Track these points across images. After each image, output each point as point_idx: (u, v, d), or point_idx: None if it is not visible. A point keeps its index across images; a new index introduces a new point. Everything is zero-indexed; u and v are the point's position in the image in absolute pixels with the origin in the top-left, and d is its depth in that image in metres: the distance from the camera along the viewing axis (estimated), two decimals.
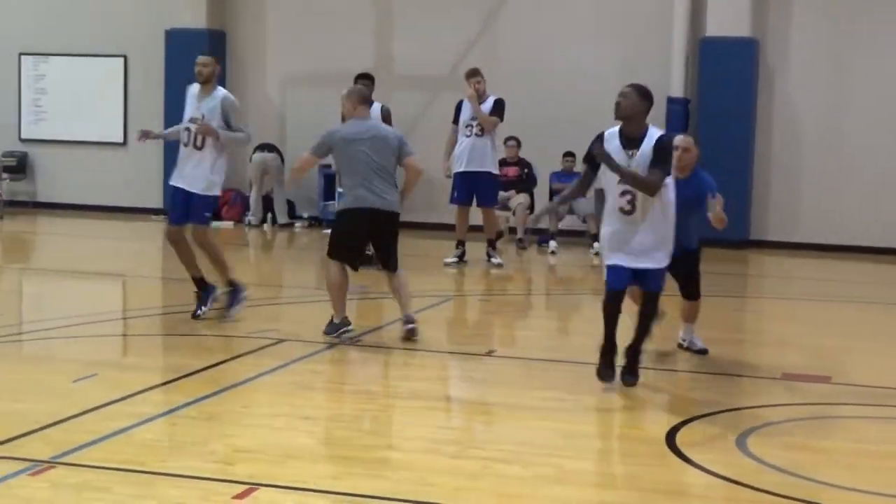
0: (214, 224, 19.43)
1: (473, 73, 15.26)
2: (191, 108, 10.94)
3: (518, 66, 18.31)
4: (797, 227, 18.28)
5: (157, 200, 20.40)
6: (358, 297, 13.21)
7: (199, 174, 10.84)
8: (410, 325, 10.17)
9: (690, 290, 9.70)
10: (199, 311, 10.82)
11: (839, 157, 18.07)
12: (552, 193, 17.53)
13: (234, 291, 10.92)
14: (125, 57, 20.70)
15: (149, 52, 20.32)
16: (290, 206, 20.06)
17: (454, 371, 9.87)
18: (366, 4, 18.66)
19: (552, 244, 16.84)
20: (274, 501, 6.01)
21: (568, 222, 17.41)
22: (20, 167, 21.18)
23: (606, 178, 8.45)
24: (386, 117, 14.77)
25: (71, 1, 20.75)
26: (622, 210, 8.38)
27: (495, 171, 15.39)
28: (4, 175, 20.95)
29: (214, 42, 20.11)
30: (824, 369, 9.51)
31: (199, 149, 10.79)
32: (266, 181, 19.76)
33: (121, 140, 20.91)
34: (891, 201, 17.79)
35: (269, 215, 19.85)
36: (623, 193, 8.33)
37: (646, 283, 8.58)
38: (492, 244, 15.32)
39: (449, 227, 15.85)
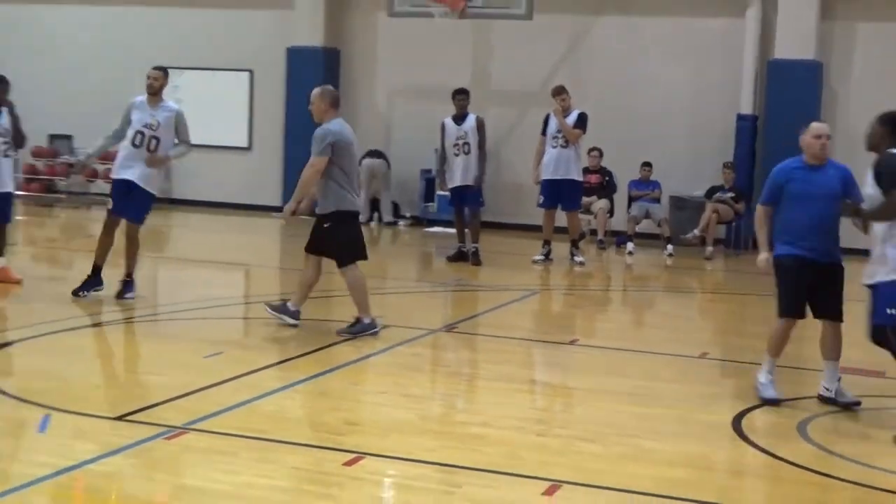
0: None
1: (559, 91, 15.23)
2: (144, 115, 11.07)
3: (601, 83, 18.21)
4: (846, 236, 17.96)
5: (276, 199, 20.59)
6: (455, 289, 13.30)
7: (149, 172, 11.14)
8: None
9: (838, 309, 7.94)
10: (81, 292, 10.86)
11: None
12: (630, 200, 17.50)
13: (130, 283, 11.04)
14: (251, 71, 20.92)
15: (272, 67, 20.51)
16: (395, 206, 20.16)
17: (540, 357, 9.87)
18: (465, 26, 18.67)
19: (629, 245, 16.75)
20: (378, 469, 6.07)
21: (644, 226, 17.31)
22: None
23: None
24: (480, 127, 14.82)
25: (204, 20, 21.01)
26: None
27: (579, 178, 15.33)
28: None
29: (329, 59, 20.28)
30: (879, 365, 9.35)
31: (151, 152, 11.08)
32: (374, 184, 19.86)
33: (246, 145, 21.15)
34: None
35: (376, 214, 19.95)
36: None
37: None
38: (575, 244, 15.27)
39: (536, 229, 15.83)
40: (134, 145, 11.03)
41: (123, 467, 5.89)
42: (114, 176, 11.32)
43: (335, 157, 9.78)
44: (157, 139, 11.04)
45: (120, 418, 6.72)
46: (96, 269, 11.07)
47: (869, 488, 6.06)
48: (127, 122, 11.12)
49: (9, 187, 11.65)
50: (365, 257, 9.99)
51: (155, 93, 11.25)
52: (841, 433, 7.25)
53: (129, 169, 11.02)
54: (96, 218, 19.76)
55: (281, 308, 9.92)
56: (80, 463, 5.87)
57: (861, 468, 6.38)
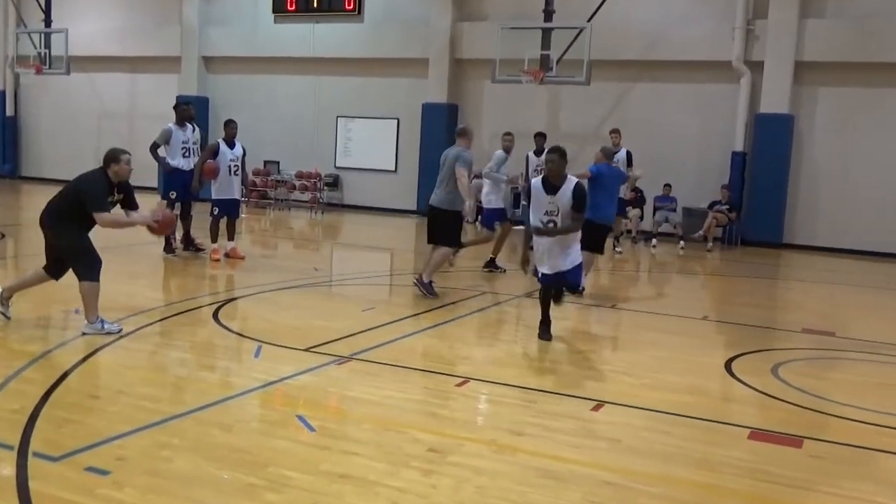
0: None
1: (614, 131, 15.13)
2: None
3: (637, 130, 17.90)
4: (816, 234, 17.42)
5: (412, 205, 20.74)
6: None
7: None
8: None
9: None
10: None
11: (845, 191, 17.15)
12: (655, 209, 17.20)
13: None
14: (398, 119, 21.06)
15: (412, 116, 20.63)
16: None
17: (590, 317, 9.73)
18: (543, 90, 18.53)
19: (654, 241, 16.46)
20: (478, 389, 6.07)
21: (664, 228, 16.96)
22: (335, 183, 21.82)
23: None
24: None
25: (367, 84, 21.23)
26: None
27: (624, 195, 15.06)
28: (325, 188, 21.64)
29: (451, 111, 20.30)
30: (832, 327, 9.06)
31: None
32: (476, 196, 19.78)
33: (393, 168, 21.31)
34: (883, 220, 16.83)
35: (480, 217, 19.87)
36: None
37: None
38: (616, 239, 15.07)
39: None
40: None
41: (309, 383, 5.98)
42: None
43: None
44: None
45: (307, 350, 6.83)
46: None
47: (820, 413, 5.88)
48: None
49: (237, 195, 11.90)
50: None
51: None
52: (802, 374, 7.03)
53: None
54: (294, 217, 20.16)
55: (427, 286, 9.57)
56: (281, 378, 5.99)
57: (815, 399, 6.19)
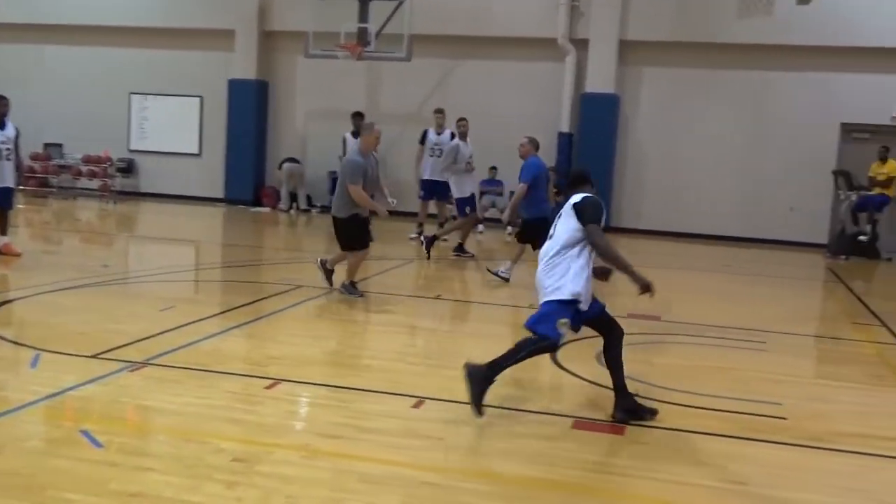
0: (256, 209, 19.46)
1: (439, 111, 15.41)
2: None
3: (463, 109, 18.22)
4: (641, 218, 18.47)
5: (219, 192, 20.27)
6: None
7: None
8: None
9: None
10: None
11: (671, 171, 18.27)
12: (481, 194, 17.65)
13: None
14: (201, 97, 20.49)
15: (216, 94, 20.14)
16: (308, 198, 19.97)
17: (413, 308, 9.88)
18: (361, 66, 18.55)
19: (479, 227, 16.85)
20: (292, 391, 6.03)
21: (489, 212, 17.46)
22: (129, 168, 20.96)
23: None
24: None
25: (164, 57, 20.52)
26: None
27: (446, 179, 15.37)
28: (118, 173, 20.74)
29: (260, 88, 19.97)
30: (657, 311, 9.59)
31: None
32: (291, 182, 19.67)
33: (196, 152, 20.72)
34: (708, 203, 18.02)
35: (294, 204, 19.76)
36: None
37: None
38: (441, 226, 15.32)
39: (414, 214, 15.83)
40: None
41: (96, 393, 5.73)
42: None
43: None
44: None
45: (95, 356, 6.54)
46: None
47: (643, 398, 6.19)
48: None
49: (9, 183, 11.24)
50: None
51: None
52: (626, 360, 7.38)
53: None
54: (81, 207, 19.19)
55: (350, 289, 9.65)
56: (63, 390, 5.70)
57: (639, 384, 6.53)
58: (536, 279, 5.73)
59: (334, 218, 9.64)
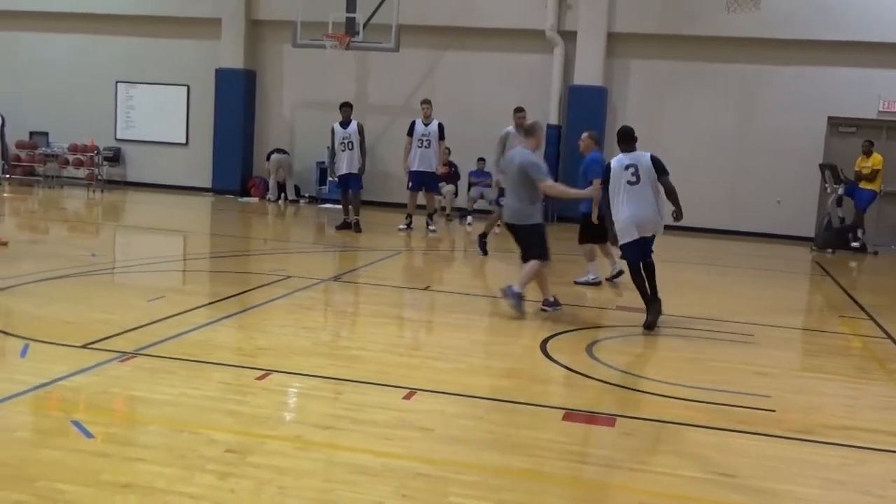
0: (244, 199, 19.41)
1: (425, 101, 15.34)
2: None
3: (448, 101, 18.25)
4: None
5: (207, 182, 20.20)
6: (341, 249, 13.22)
7: None
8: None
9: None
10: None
11: None
12: (470, 185, 17.66)
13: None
14: (188, 86, 20.39)
15: (204, 83, 20.05)
16: (297, 189, 19.94)
17: (402, 299, 9.89)
18: (349, 55, 18.50)
19: (469, 218, 16.92)
20: (282, 382, 6.03)
21: (479, 204, 17.48)
22: (116, 157, 20.86)
23: None
24: (361, 131, 14.74)
25: (151, 46, 20.41)
26: None
27: (437, 170, 15.39)
28: (104, 163, 20.64)
29: (248, 78, 19.90)
30: (644, 303, 9.63)
31: None
32: (280, 172, 19.62)
33: (183, 141, 20.64)
34: (697, 196, 18.05)
35: (282, 195, 19.72)
36: None
37: None
38: (430, 217, 15.37)
39: (403, 206, 15.84)
40: None
41: (87, 384, 5.72)
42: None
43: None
44: None
45: (84, 346, 6.52)
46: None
47: (632, 390, 6.28)
48: None
49: None
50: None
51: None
52: (615, 352, 7.46)
53: None
54: (67, 196, 19.09)
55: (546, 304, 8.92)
56: (53, 380, 5.69)
57: (628, 376, 6.59)
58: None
59: (516, 226, 8.81)
